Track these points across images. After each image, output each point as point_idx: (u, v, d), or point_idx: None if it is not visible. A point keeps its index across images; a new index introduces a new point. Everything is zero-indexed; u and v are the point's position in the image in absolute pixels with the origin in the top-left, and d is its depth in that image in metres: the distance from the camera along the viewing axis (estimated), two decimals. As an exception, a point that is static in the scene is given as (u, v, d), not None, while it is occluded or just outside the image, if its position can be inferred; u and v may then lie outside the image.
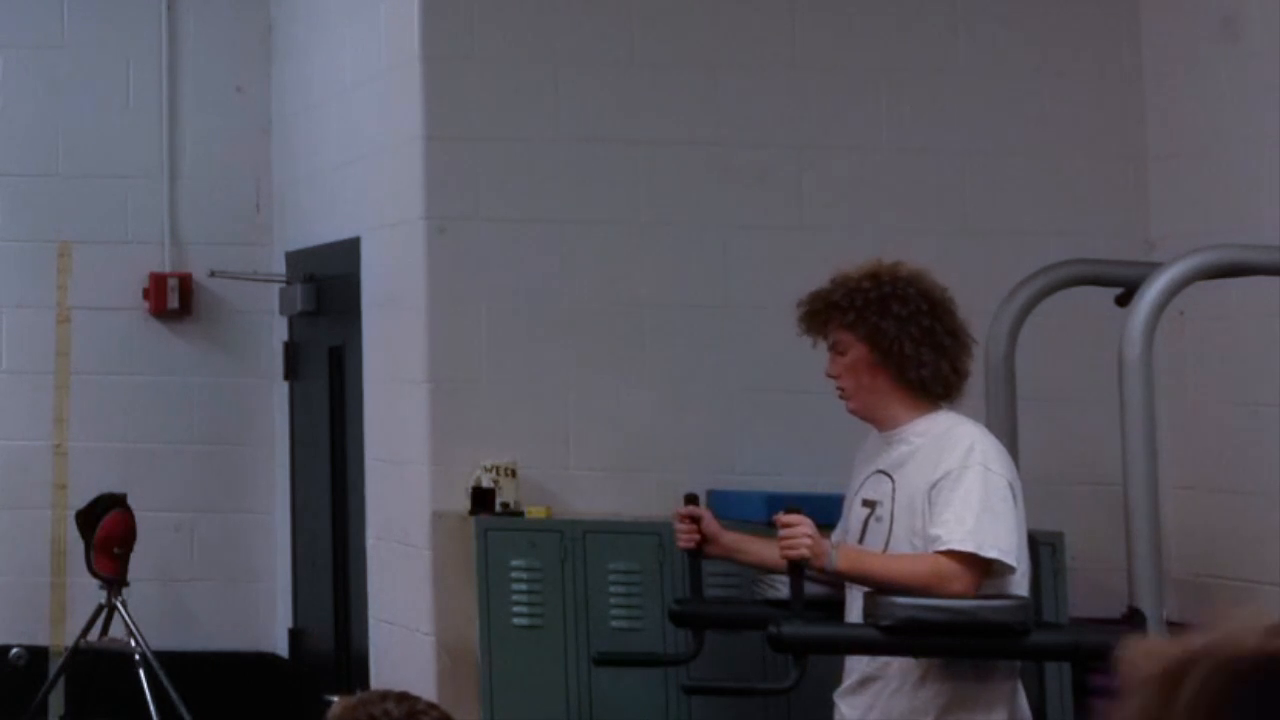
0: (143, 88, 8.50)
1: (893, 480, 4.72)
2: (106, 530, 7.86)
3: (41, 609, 8.30)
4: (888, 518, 4.70)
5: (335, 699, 3.34)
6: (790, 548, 4.60)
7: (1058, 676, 5.84)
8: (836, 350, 4.82)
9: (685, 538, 5.07)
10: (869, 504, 4.78)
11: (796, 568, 4.64)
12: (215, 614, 8.40)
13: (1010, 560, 4.54)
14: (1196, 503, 6.41)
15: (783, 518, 4.65)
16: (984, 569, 4.55)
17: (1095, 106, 6.75)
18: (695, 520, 5.06)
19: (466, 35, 6.63)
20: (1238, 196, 6.29)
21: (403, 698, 3.33)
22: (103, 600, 7.82)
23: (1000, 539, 4.53)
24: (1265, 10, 6.22)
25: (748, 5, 6.72)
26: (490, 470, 6.36)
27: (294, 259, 8.15)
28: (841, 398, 4.84)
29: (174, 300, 8.37)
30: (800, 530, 4.60)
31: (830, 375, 4.85)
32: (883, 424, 4.79)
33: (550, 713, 6.03)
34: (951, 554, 4.52)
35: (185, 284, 8.41)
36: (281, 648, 8.31)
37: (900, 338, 4.69)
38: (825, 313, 4.80)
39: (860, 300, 4.73)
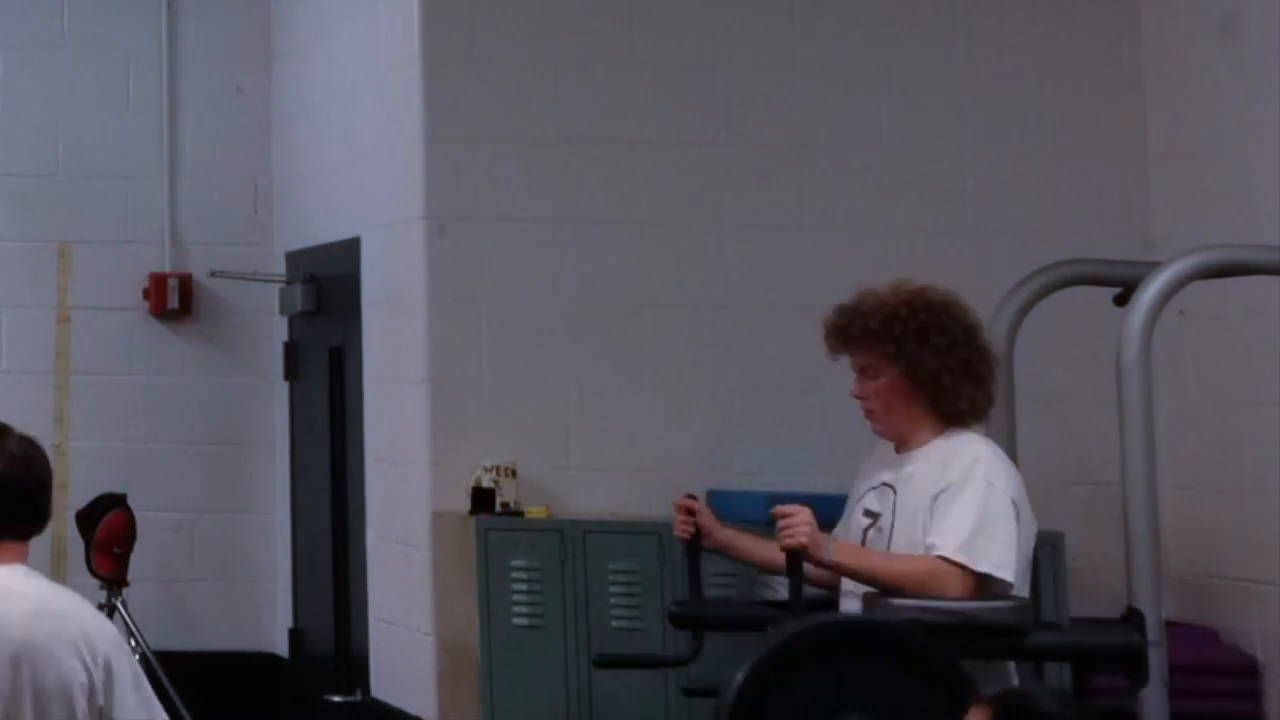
0: (143, 88, 8.50)
1: (896, 493, 4.71)
2: (106, 530, 7.85)
3: (42, 609, 8.29)
4: (888, 529, 4.70)
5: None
6: (789, 536, 4.59)
7: (1058, 677, 5.84)
8: (866, 374, 4.79)
9: (680, 527, 5.07)
10: (870, 514, 4.78)
11: (795, 558, 4.63)
12: (215, 614, 8.39)
13: (1007, 575, 4.53)
14: (1196, 503, 6.41)
15: (781, 508, 4.65)
16: (979, 579, 4.55)
17: (1095, 106, 6.76)
18: (691, 513, 5.07)
19: (466, 35, 6.63)
20: (1238, 196, 6.29)
21: None
22: (103, 600, 7.82)
23: (995, 554, 4.52)
24: (1265, 10, 6.22)
25: (748, 5, 6.72)
26: (490, 470, 6.36)
27: (294, 259, 8.15)
28: (868, 418, 4.83)
29: (174, 300, 8.37)
30: (799, 520, 4.59)
31: (857, 396, 4.83)
32: (907, 445, 4.78)
33: (550, 713, 6.03)
34: (947, 560, 4.52)
35: (185, 284, 8.41)
36: (281, 648, 8.31)
37: (940, 371, 4.68)
38: (861, 338, 4.77)
39: (899, 330, 4.71)
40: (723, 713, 4.23)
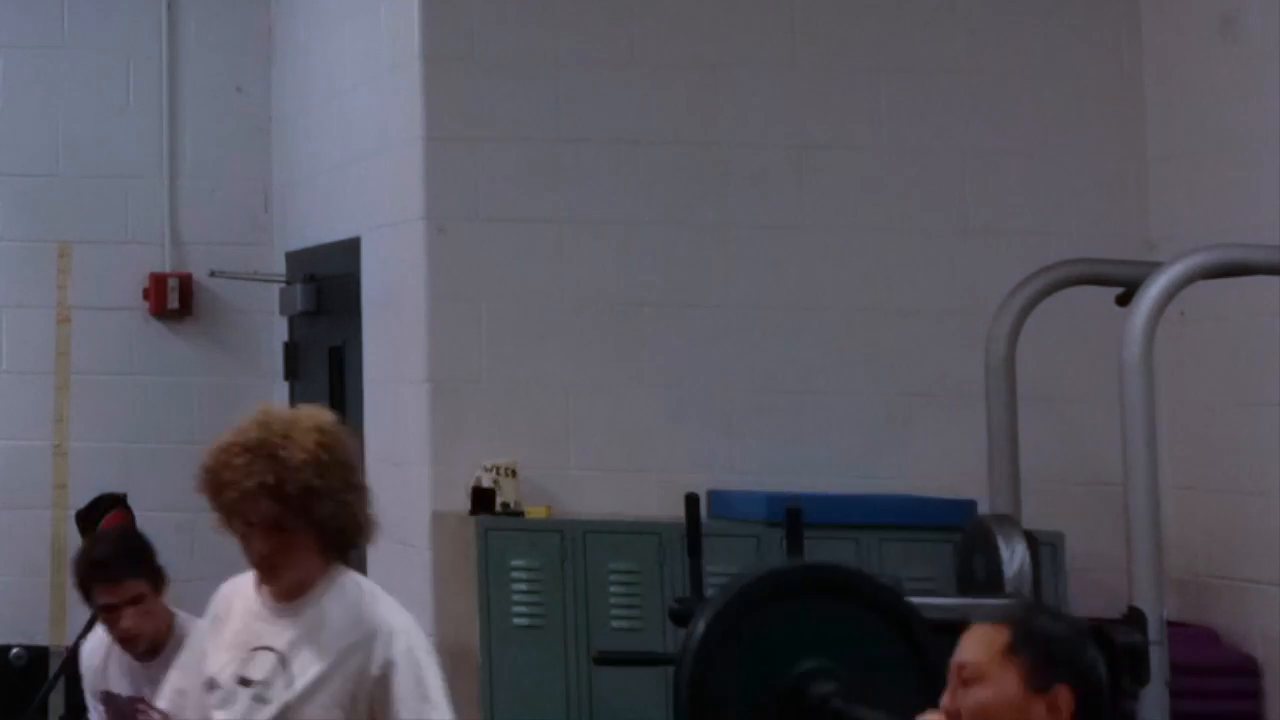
0: (143, 88, 8.50)
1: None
2: (106, 530, 7.85)
3: (41, 609, 8.30)
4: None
5: None
6: None
7: (1058, 676, 5.83)
8: (256, 535, 4.38)
9: None
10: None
11: None
12: (215, 614, 8.38)
13: None
14: (1196, 503, 6.41)
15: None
16: None
17: (1095, 106, 6.75)
18: None
19: (466, 35, 6.62)
20: (1238, 196, 6.29)
21: None
22: (103, 600, 7.81)
23: None
24: (1265, 10, 6.22)
25: (747, 5, 6.72)
26: (490, 470, 6.36)
27: (294, 259, 8.15)
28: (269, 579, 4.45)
29: (174, 300, 8.37)
30: None
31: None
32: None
33: (550, 713, 6.03)
34: None
35: (185, 284, 8.41)
36: (281, 648, 8.30)
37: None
38: (234, 504, 4.35)
39: (253, 484, 4.32)
40: (685, 661, 4.20)
